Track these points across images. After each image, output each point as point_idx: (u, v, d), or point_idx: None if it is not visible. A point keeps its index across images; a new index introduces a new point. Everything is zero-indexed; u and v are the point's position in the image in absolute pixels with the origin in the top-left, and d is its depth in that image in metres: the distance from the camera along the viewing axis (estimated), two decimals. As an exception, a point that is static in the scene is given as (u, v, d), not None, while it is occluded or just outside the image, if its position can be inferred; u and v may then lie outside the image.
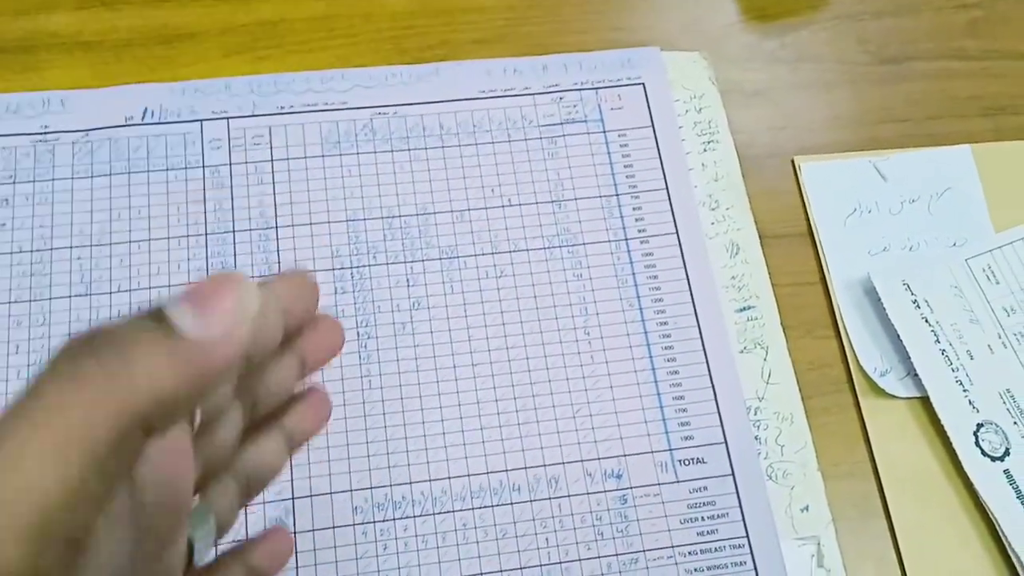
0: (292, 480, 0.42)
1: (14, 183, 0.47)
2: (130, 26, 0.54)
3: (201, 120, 0.50)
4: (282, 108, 0.50)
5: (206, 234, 0.47)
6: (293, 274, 0.27)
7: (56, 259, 0.46)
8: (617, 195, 0.49)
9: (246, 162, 0.49)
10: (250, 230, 0.47)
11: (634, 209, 0.49)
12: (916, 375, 0.45)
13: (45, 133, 0.49)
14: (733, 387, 0.45)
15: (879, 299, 0.47)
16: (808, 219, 0.50)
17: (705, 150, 0.51)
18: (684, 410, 0.44)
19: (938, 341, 0.46)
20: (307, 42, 0.54)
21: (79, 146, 0.49)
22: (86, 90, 0.51)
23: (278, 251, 0.47)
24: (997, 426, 0.44)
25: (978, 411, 0.44)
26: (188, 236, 0.47)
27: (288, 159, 0.49)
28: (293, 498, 0.41)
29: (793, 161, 0.52)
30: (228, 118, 0.50)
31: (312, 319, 0.27)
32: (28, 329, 0.44)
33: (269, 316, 0.24)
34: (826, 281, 0.48)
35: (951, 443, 0.43)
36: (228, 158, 0.49)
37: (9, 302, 0.45)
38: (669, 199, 0.49)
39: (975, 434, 0.44)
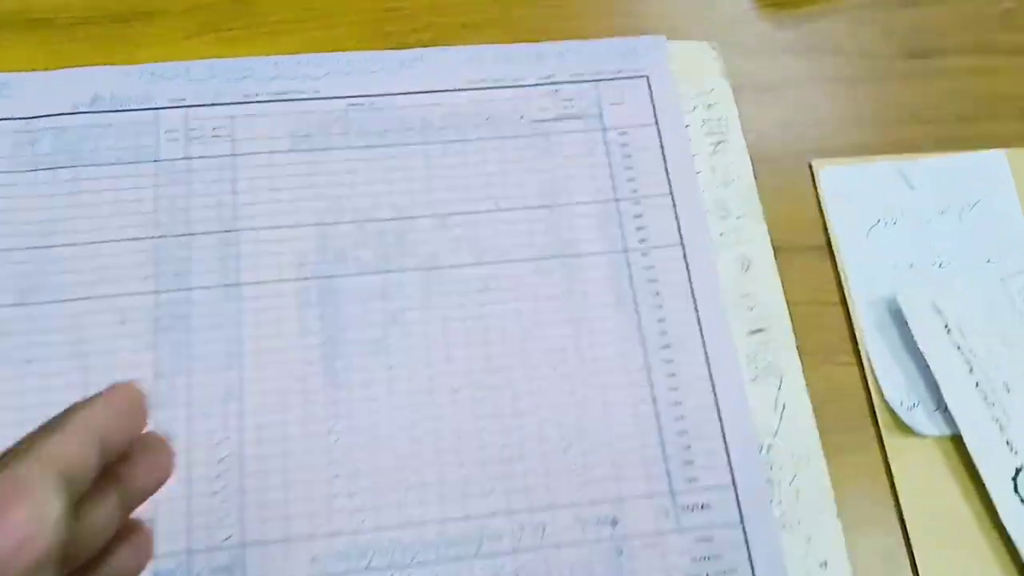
0: (243, 523, 0.36)
1: (-55, 176, 0.41)
2: (83, 3, 0.47)
3: (157, 109, 0.43)
4: (247, 96, 0.44)
5: (157, 237, 0.40)
6: (117, 393, 0.24)
7: (-12, 263, 0.40)
8: (616, 200, 0.43)
9: (205, 156, 0.42)
10: (208, 233, 0.41)
11: (635, 217, 0.42)
12: (947, 410, 0.39)
13: (-19, 120, 0.42)
14: (743, 421, 0.38)
15: (905, 322, 0.41)
16: (827, 230, 0.44)
17: (714, 152, 0.44)
18: (688, 447, 0.38)
19: (972, 371, 0.40)
20: (280, 23, 0.48)
21: (20, 136, 0.42)
22: (31, 73, 0.44)
23: (239, 256, 0.40)
24: (1037, 470, 0.38)
25: (1017, 453, 0.38)
26: (138, 239, 0.40)
27: (253, 154, 0.42)
28: (244, 545, 0.35)
29: (811, 165, 0.45)
30: (187, 107, 0.43)
31: (139, 440, 0.25)
32: (-48, 343, 0.38)
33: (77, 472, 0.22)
34: (846, 300, 0.42)
35: (986, 489, 0.38)
36: (185, 151, 0.42)
37: (-68, 311, 0.39)
38: (674, 206, 0.43)
39: (1014, 480, 0.38)
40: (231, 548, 0.35)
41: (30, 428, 0.36)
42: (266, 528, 0.35)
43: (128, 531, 0.25)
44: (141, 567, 0.25)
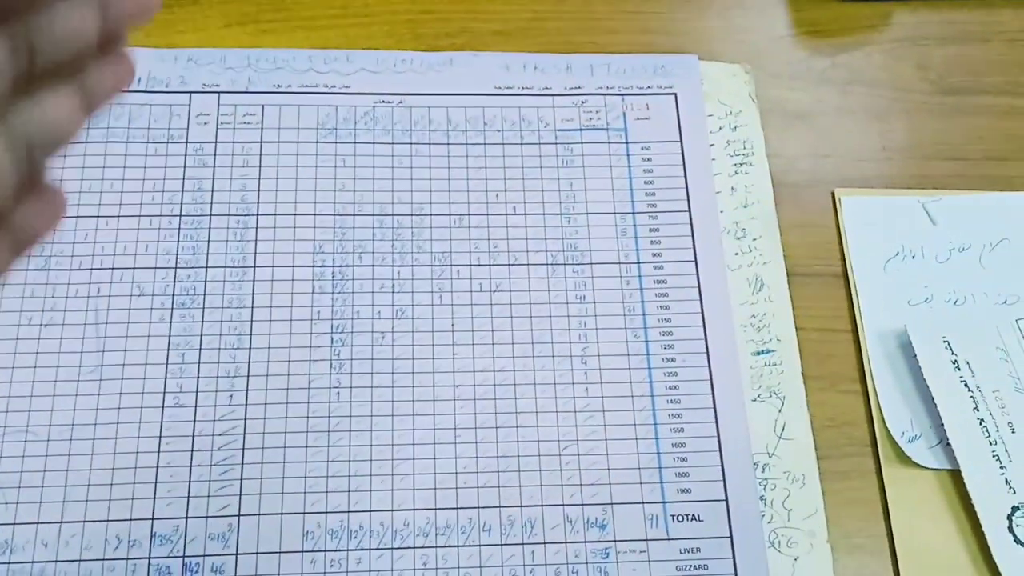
0: (240, 495, 0.39)
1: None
2: (129, -15, 0.52)
3: (191, 92, 0.48)
4: (278, 86, 0.48)
5: (180, 215, 0.45)
6: None
7: (17, 228, 0.44)
8: (634, 213, 0.46)
9: (233, 141, 0.47)
10: (228, 215, 0.45)
11: (651, 231, 0.46)
12: (948, 444, 0.42)
13: (22, 91, 0.47)
14: (741, 439, 0.42)
15: (914, 354, 0.43)
16: (844, 259, 0.47)
17: (736, 172, 0.48)
18: (684, 459, 0.41)
19: (977, 408, 0.42)
20: (317, 18, 0.52)
21: (57, 108, 0.47)
22: (72, 49, 0.49)
23: (256, 240, 0.44)
24: (1036, 511, 0.41)
25: (1015, 492, 0.41)
26: (161, 216, 0.45)
27: (279, 142, 0.47)
28: (239, 515, 0.39)
29: (833, 194, 0.49)
30: (219, 92, 0.48)
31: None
32: (-23, 301, 0.42)
33: None
34: (858, 330, 0.45)
35: (980, 526, 0.40)
36: (215, 135, 0.47)
37: (-39, 270, 0.43)
38: (691, 223, 0.46)
39: (1009, 518, 0.40)
40: (227, 517, 0.39)
41: (44, 387, 0.41)
42: (263, 501, 0.39)
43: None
44: (121, 81, 0.24)
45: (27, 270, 0.43)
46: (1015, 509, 0.40)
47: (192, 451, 0.40)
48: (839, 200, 0.48)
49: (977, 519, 0.40)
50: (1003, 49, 0.54)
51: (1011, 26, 0.55)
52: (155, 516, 0.39)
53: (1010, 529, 0.40)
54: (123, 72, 0.24)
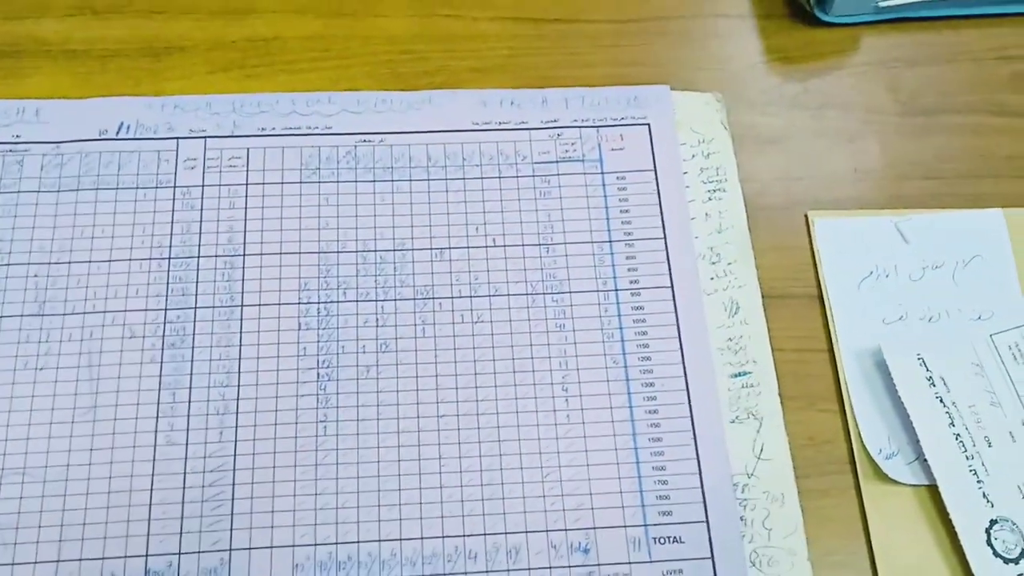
0: (231, 530, 0.40)
1: (-22, 193, 0.47)
2: (118, 36, 0.54)
3: (177, 138, 0.49)
4: (263, 130, 0.49)
5: (169, 258, 0.46)
6: None
7: (12, 275, 0.45)
8: (610, 242, 0.47)
9: (219, 184, 0.48)
10: (216, 256, 0.46)
11: (627, 258, 0.47)
12: (925, 460, 0.42)
13: (15, 143, 0.48)
14: (720, 460, 0.42)
15: (890, 373, 0.44)
16: (818, 280, 0.48)
17: (710, 199, 0.49)
18: (664, 482, 0.42)
19: (952, 424, 0.43)
20: (299, 62, 0.54)
21: (49, 158, 0.48)
22: (63, 100, 0.50)
23: (243, 279, 0.46)
24: (1013, 524, 0.41)
25: (992, 506, 0.41)
26: (151, 259, 0.46)
27: (263, 183, 0.48)
28: (230, 550, 0.40)
29: (806, 216, 0.50)
30: (206, 137, 0.49)
31: None
32: (-27, 348, 0.44)
33: None
34: (833, 349, 0.46)
35: (959, 540, 0.41)
36: (202, 179, 0.48)
37: (-43, 318, 0.44)
38: (666, 249, 0.47)
39: (987, 531, 0.41)
40: (219, 552, 0.40)
41: (40, 429, 0.42)
42: (253, 535, 0.40)
43: None
44: None
45: (22, 316, 0.44)
46: (992, 523, 0.41)
47: (184, 488, 0.41)
48: (812, 222, 0.49)
49: (956, 533, 0.41)
50: (970, 69, 0.55)
51: (977, 46, 0.56)
52: (149, 552, 0.40)
53: (988, 543, 0.41)
54: None
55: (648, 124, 0.50)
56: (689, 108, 0.52)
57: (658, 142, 0.50)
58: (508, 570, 0.40)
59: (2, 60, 0.53)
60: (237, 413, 0.43)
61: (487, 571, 0.40)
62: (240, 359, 0.44)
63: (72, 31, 0.54)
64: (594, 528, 0.41)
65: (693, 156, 0.50)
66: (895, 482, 0.43)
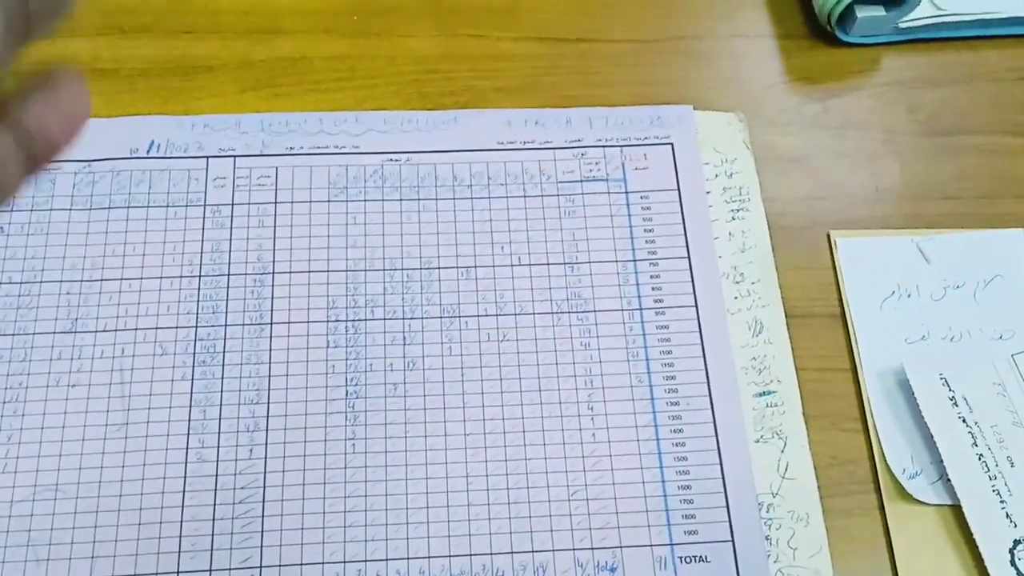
0: (261, 547, 0.41)
1: (11, 211, 0.48)
2: (147, 56, 0.54)
3: (207, 157, 0.50)
4: (291, 149, 0.50)
5: (200, 276, 0.46)
6: None
7: (44, 292, 0.46)
8: (635, 261, 0.48)
9: (249, 203, 0.48)
10: (245, 274, 0.47)
11: (652, 277, 0.47)
12: (949, 480, 0.43)
13: (47, 161, 0.49)
14: (745, 480, 0.43)
15: (913, 392, 0.44)
16: (841, 299, 0.48)
17: (733, 218, 0.49)
18: (690, 501, 0.42)
19: (975, 444, 0.43)
20: (326, 81, 0.54)
21: (80, 176, 0.49)
22: (93, 119, 0.51)
23: (272, 298, 0.46)
24: (1037, 544, 0.41)
25: (1016, 526, 0.42)
26: (181, 277, 0.46)
27: (292, 202, 0.49)
28: (261, 567, 0.40)
29: (829, 235, 0.50)
30: (235, 156, 0.50)
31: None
32: (7, 364, 0.44)
33: None
34: (856, 369, 0.46)
35: (983, 560, 0.41)
36: (231, 198, 0.49)
37: (-9, 335, 0.45)
38: (690, 269, 0.48)
39: (1011, 552, 0.41)
40: (249, 569, 0.40)
41: (72, 446, 0.42)
42: (283, 552, 0.40)
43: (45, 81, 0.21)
44: (70, 122, 0.21)
45: (55, 333, 0.45)
46: (1016, 543, 0.41)
47: (215, 504, 0.42)
48: (835, 242, 0.50)
49: (979, 553, 0.41)
50: (989, 89, 0.55)
51: (997, 66, 0.56)
52: (180, 570, 0.40)
53: (1012, 563, 0.41)
54: (74, 104, 0.21)
55: (671, 144, 0.51)
56: (711, 128, 0.52)
57: (681, 162, 0.50)
58: (536, 588, 0.40)
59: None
60: (267, 431, 0.43)
61: (515, 589, 0.40)
62: (270, 376, 0.44)
63: (101, 50, 0.55)
64: (620, 547, 0.41)
65: (716, 176, 0.50)
66: (919, 502, 0.43)
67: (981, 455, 0.43)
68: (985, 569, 0.41)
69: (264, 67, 0.54)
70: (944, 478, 0.43)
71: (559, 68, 0.55)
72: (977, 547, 0.41)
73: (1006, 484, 0.42)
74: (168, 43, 0.55)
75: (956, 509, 0.42)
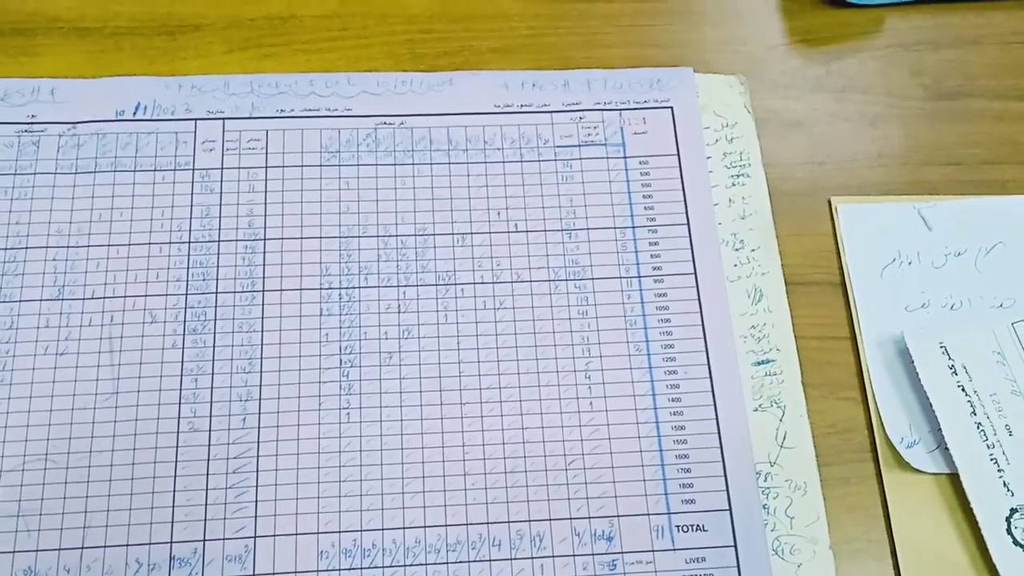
0: (256, 517, 0.40)
1: (-6, 174, 0.47)
2: (132, 13, 0.53)
3: (196, 119, 0.49)
4: (282, 111, 0.49)
5: (189, 242, 0.46)
6: None
7: (30, 258, 0.45)
8: (633, 227, 0.47)
9: (239, 167, 0.48)
10: (236, 240, 0.46)
11: (650, 244, 0.47)
12: (947, 449, 0.43)
13: (31, 123, 0.48)
14: (743, 449, 0.43)
15: (912, 361, 0.44)
16: (841, 267, 0.48)
17: (734, 184, 0.49)
18: (687, 470, 0.42)
19: (974, 413, 0.43)
20: (316, 41, 0.53)
21: (65, 139, 0.48)
22: (78, 80, 0.50)
23: (264, 264, 0.45)
24: (1034, 513, 0.42)
25: (1013, 494, 0.42)
26: (171, 243, 0.46)
27: (283, 167, 0.48)
28: (255, 536, 0.40)
29: (830, 202, 0.49)
30: (224, 119, 0.49)
31: None
32: (-6, 332, 0.44)
33: None
34: (856, 337, 0.46)
35: (980, 528, 0.41)
36: (221, 162, 0.48)
37: (-23, 302, 0.44)
38: (690, 235, 0.47)
39: (1008, 520, 0.41)
40: (244, 539, 0.40)
41: (62, 415, 0.42)
42: (277, 522, 0.40)
43: None
44: None
45: (41, 300, 0.44)
46: (1013, 511, 0.41)
47: (207, 474, 0.41)
48: (836, 208, 0.49)
49: (976, 522, 0.41)
50: (996, 52, 0.55)
51: (1003, 28, 0.55)
52: (173, 540, 0.40)
53: (1008, 531, 0.41)
54: None
55: (671, 107, 0.50)
56: (712, 91, 0.51)
57: (681, 126, 0.50)
58: (532, 557, 0.40)
59: (15, 38, 0.52)
60: (260, 399, 0.43)
61: (511, 558, 0.40)
62: (262, 345, 0.44)
63: (85, 8, 0.53)
64: (617, 516, 0.41)
65: (716, 140, 0.50)
66: (916, 470, 0.43)
67: (980, 424, 0.43)
68: (982, 537, 0.41)
69: (253, 26, 0.53)
70: (942, 447, 0.43)
71: (557, 28, 0.54)
72: (974, 515, 0.41)
73: (1004, 453, 0.42)
74: (153, 1, 0.54)
75: (954, 478, 0.42)
